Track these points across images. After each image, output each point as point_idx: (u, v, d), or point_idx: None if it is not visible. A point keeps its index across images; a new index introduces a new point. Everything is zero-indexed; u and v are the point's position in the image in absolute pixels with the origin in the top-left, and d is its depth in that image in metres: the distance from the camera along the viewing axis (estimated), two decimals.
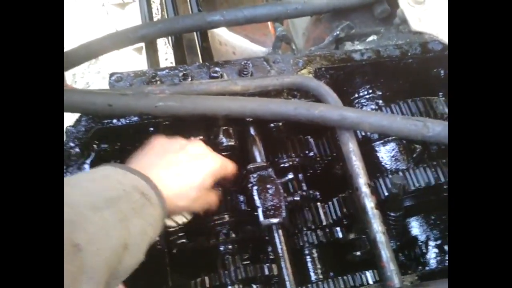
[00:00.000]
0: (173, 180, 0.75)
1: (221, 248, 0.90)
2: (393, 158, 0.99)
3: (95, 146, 0.88)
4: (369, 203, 0.82)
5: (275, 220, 0.83)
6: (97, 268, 0.55)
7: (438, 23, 1.15)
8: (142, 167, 0.72)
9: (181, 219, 0.84)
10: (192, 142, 0.83)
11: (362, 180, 0.83)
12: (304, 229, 0.94)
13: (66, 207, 0.55)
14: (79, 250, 0.53)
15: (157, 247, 0.89)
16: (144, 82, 0.93)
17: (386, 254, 0.78)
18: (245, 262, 0.90)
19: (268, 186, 0.86)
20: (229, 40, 1.63)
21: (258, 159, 0.91)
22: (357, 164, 0.85)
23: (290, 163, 0.98)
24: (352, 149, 0.86)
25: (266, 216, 0.84)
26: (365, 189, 0.83)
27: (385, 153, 0.99)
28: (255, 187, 0.86)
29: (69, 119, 0.87)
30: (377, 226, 0.80)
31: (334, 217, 0.95)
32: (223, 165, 0.84)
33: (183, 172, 0.76)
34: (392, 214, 0.89)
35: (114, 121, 0.87)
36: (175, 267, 0.90)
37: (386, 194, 0.88)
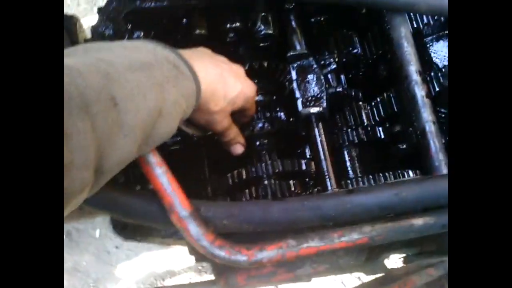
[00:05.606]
0: (213, 79, 0.70)
1: (257, 143, 0.87)
2: (447, 56, 0.90)
3: (128, 33, 0.84)
4: (420, 92, 0.75)
5: (315, 110, 0.79)
6: (133, 126, 0.53)
7: None
8: (187, 55, 0.66)
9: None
10: (236, 64, 0.79)
11: (413, 68, 0.76)
12: (344, 128, 0.89)
13: (101, 62, 0.52)
14: (116, 104, 0.51)
15: (194, 139, 0.87)
16: None
17: (435, 144, 0.72)
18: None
19: (309, 76, 0.81)
20: None
21: (298, 47, 0.85)
22: (408, 50, 0.77)
23: (332, 59, 0.91)
24: (404, 34, 0.77)
25: (305, 106, 0.80)
26: (416, 77, 0.76)
27: (439, 49, 0.89)
28: (295, 77, 0.81)
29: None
30: (427, 116, 0.73)
31: (377, 118, 0.90)
32: (254, 96, 0.80)
33: (223, 79, 0.71)
34: (443, 110, 0.82)
35: (146, 4, 0.83)
36: (211, 160, 0.88)
37: (438, 89, 0.81)
